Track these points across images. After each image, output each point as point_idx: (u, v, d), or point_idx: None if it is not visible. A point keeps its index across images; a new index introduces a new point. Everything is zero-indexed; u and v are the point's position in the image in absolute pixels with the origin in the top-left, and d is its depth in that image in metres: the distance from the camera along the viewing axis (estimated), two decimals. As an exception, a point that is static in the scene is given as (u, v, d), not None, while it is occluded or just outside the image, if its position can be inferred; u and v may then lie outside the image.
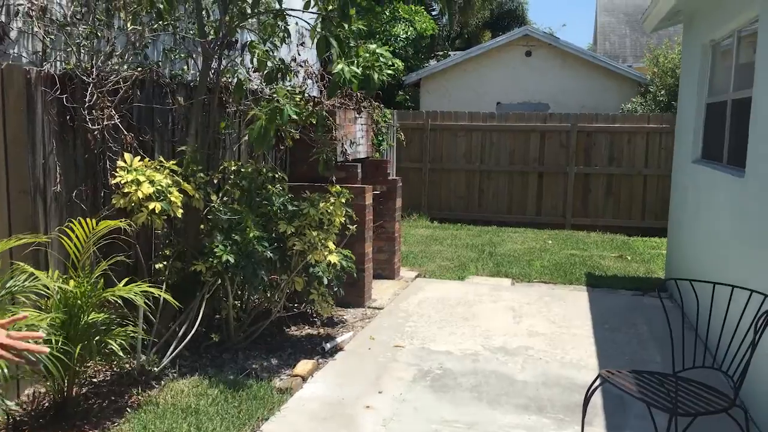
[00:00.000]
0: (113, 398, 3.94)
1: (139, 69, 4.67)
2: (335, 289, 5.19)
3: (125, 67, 4.62)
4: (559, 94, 14.53)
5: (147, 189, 4.00)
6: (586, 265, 8.18)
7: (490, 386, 4.39)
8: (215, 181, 5.05)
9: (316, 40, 4.33)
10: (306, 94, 5.87)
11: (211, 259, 4.40)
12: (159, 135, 4.92)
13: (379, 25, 14.43)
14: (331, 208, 4.90)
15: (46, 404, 3.78)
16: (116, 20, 4.70)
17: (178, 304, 4.11)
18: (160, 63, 5.10)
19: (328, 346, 5.02)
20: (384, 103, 8.68)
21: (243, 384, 4.23)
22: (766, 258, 3.91)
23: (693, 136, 6.48)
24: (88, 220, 3.71)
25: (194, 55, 5.45)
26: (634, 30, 20.21)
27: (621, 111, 13.16)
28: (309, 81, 6.76)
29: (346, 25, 4.39)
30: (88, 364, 4.07)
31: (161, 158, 4.51)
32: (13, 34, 3.96)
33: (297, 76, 6.55)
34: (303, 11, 4.60)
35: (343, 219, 5.05)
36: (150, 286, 3.77)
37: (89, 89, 4.20)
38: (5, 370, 3.02)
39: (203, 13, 4.87)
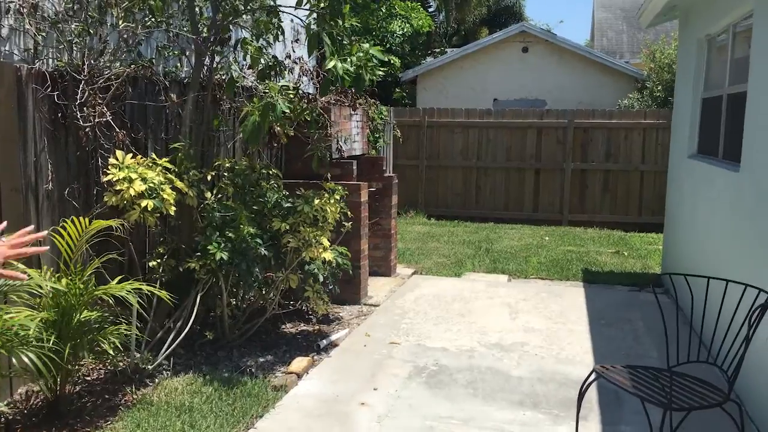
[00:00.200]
0: (107, 396, 3.93)
1: (132, 66, 4.65)
2: (331, 287, 5.18)
3: (117, 64, 4.60)
4: (556, 90, 14.52)
5: (139, 186, 3.99)
6: (583, 261, 8.17)
7: (485, 382, 4.38)
8: (209, 179, 5.03)
9: (308, 37, 4.31)
10: (301, 91, 5.85)
11: (205, 257, 4.38)
12: (152, 132, 4.90)
13: (375, 21, 14.40)
14: (326, 205, 4.89)
15: (39, 403, 3.77)
16: (109, 17, 4.68)
17: (172, 301, 4.09)
18: (153, 60, 5.08)
19: (324, 343, 5.01)
20: (380, 100, 8.66)
21: (237, 381, 4.22)
22: (761, 252, 3.90)
23: (689, 131, 6.47)
24: (81, 219, 3.69)
25: (187, 53, 5.42)
26: (631, 26, 20.21)
27: (618, 107, 13.15)
28: (304, 78, 6.74)
29: (339, 22, 4.37)
30: (82, 363, 4.06)
31: (154, 155, 4.49)
32: (4, 32, 3.93)
33: (292, 74, 6.53)
34: (296, 8, 4.58)
35: (338, 216, 5.04)
36: (143, 284, 3.75)
37: (80, 86, 4.18)
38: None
39: (196, 9, 4.85)
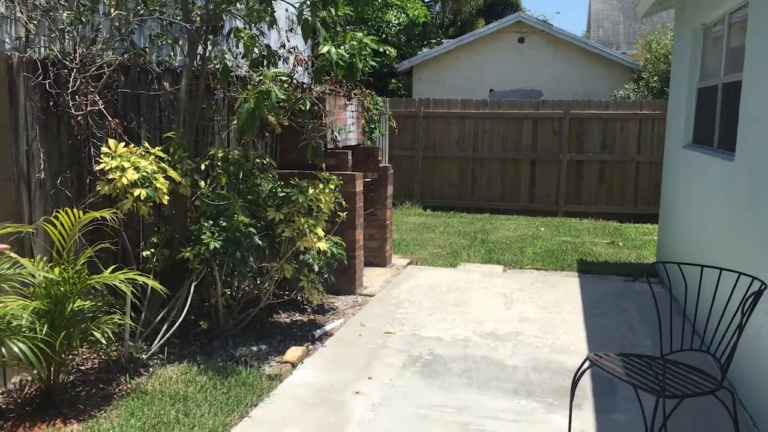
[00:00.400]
0: (101, 386, 3.92)
1: (124, 54, 4.62)
2: (326, 276, 5.17)
3: (110, 52, 4.57)
4: (552, 81, 14.49)
5: (132, 175, 3.97)
6: (578, 251, 8.18)
7: (479, 371, 4.39)
8: (203, 168, 5.01)
9: (300, 24, 4.28)
10: (295, 81, 5.82)
11: (198, 246, 4.37)
12: (145, 121, 4.87)
13: (371, 11, 14.34)
14: (321, 194, 4.88)
15: (33, 392, 3.76)
16: (101, 6, 4.64)
17: (166, 291, 4.08)
18: (146, 49, 5.05)
19: (318, 332, 5.01)
20: (376, 91, 8.63)
21: (232, 371, 4.21)
22: (755, 240, 3.91)
23: (684, 121, 6.47)
24: (74, 210, 3.67)
25: (180, 41, 5.39)
26: (627, 17, 20.16)
27: (614, 98, 13.14)
28: (299, 68, 6.70)
29: (333, 10, 4.35)
30: (75, 352, 4.05)
31: (146, 144, 4.46)
32: (-6, 19, 3.90)
33: (287, 63, 6.50)
34: (289, -5, 4.55)
35: (333, 206, 5.02)
36: (137, 274, 3.74)
37: (72, 74, 4.14)
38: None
39: (189, -3, 4.81)
